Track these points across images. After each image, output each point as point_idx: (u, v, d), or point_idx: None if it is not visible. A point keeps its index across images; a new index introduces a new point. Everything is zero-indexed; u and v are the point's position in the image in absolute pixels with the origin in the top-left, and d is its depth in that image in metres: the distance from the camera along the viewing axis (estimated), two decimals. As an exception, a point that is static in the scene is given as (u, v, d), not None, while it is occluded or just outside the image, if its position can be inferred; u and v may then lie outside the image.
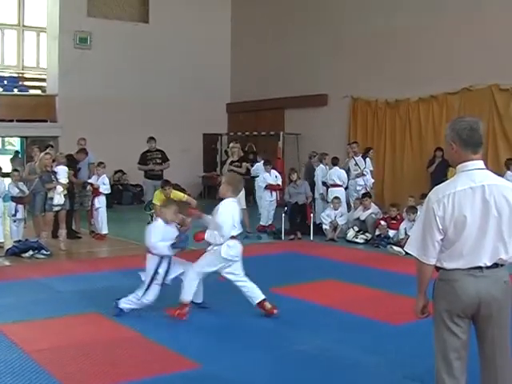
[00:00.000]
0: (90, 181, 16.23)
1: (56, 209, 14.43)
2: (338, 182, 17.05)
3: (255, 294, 8.87)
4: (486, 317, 4.59)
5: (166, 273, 8.88)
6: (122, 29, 25.10)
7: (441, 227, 4.54)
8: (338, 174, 17.12)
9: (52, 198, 14.27)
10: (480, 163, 4.67)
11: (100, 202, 16.05)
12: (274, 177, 17.52)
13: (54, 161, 14.99)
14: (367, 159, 17.89)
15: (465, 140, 4.65)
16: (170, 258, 8.94)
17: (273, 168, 17.83)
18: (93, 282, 11.09)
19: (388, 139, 21.34)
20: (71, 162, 15.89)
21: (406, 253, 12.65)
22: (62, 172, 14.64)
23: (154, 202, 14.39)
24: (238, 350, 7.53)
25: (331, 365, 7.07)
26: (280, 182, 17.61)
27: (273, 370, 6.95)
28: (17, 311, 9.25)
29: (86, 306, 9.46)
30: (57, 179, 14.38)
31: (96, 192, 15.97)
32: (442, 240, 4.59)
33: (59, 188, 14.30)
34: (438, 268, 4.68)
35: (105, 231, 16.19)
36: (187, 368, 6.95)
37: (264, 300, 8.83)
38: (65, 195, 14.48)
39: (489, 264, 4.55)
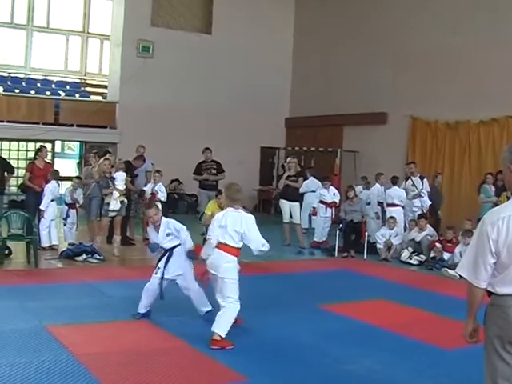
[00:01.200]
0: (145, 188, 16.27)
1: (111, 214, 14.55)
2: (397, 202, 16.89)
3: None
4: None
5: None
6: (184, 39, 25.25)
7: (494, 250, 4.42)
8: (397, 193, 16.96)
9: (108, 204, 14.40)
10: None
11: None
12: (331, 194, 17.44)
13: (112, 166, 15.10)
14: (425, 180, 17.65)
15: None
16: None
17: (331, 185, 17.79)
18: (142, 289, 11.07)
19: (447, 161, 21.10)
20: (128, 169, 15.96)
21: (461, 276, 12.44)
22: (120, 178, 14.74)
23: (205, 211, 14.45)
24: (285, 366, 7.45)
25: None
26: (337, 200, 17.52)
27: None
28: (67, 314, 9.31)
29: (135, 313, 9.45)
30: (114, 185, 14.49)
31: (153, 199, 15.92)
32: (494, 264, 4.46)
33: (116, 194, 14.42)
34: (489, 293, 4.56)
35: None
36: (234, 381, 6.89)
37: None
38: (121, 201, 14.57)
39: None
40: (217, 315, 8.18)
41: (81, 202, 15.28)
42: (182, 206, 24.38)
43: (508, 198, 16.84)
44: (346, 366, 7.56)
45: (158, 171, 16.40)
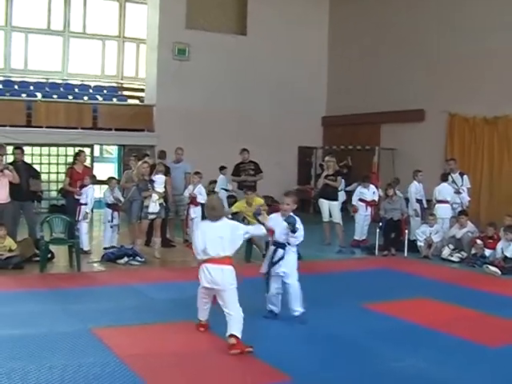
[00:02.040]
0: (186, 191, 16.30)
1: (151, 217, 14.63)
2: (448, 199, 16.79)
3: None
4: None
5: None
6: (219, 41, 25.33)
7: None
8: (448, 190, 16.87)
9: (147, 206, 14.48)
10: None
11: (195, 212, 16.00)
12: (371, 192, 17.39)
13: (152, 169, 15.21)
14: (464, 176, 17.54)
15: None
16: None
17: (371, 183, 17.77)
18: (185, 291, 11.02)
19: (486, 156, 20.97)
20: (167, 171, 16.04)
21: (503, 273, 12.41)
22: (160, 181, 14.83)
23: (232, 209, 14.62)
24: (329, 364, 7.44)
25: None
26: (377, 198, 17.46)
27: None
28: (111, 316, 9.37)
29: (178, 315, 9.49)
30: (153, 187, 14.58)
31: (193, 202, 15.97)
32: None
33: (155, 196, 14.50)
34: None
35: None
36: (279, 381, 6.90)
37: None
38: (160, 204, 14.66)
39: None
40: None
41: (122, 200, 15.39)
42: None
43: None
44: (394, 363, 7.53)
45: (196, 173, 16.42)
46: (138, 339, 8.31)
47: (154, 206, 14.53)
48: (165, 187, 15.07)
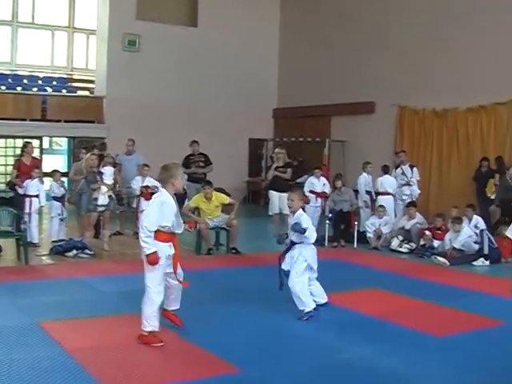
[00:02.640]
0: (133, 182, 16.25)
1: (100, 209, 14.51)
2: (390, 191, 16.90)
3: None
4: None
5: None
6: (170, 32, 25.21)
7: None
8: (389, 182, 16.97)
9: (96, 199, 14.35)
10: None
11: (146, 205, 15.96)
12: (322, 184, 17.44)
13: (101, 161, 15.10)
14: (414, 169, 17.69)
15: None
16: None
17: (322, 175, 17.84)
18: (134, 284, 10.97)
19: (435, 149, 21.22)
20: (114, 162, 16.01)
21: (451, 264, 12.54)
22: (109, 173, 14.72)
23: (190, 204, 14.54)
24: (279, 357, 7.44)
25: (373, 376, 6.93)
26: (327, 190, 17.50)
27: (313, 379, 6.85)
28: (59, 309, 9.30)
29: (126, 307, 9.39)
30: (102, 180, 14.46)
31: (144, 195, 15.92)
32: None
33: (104, 188, 14.39)
34: None
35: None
36: (227, 372, 6.87)
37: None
38: (109, 196, 14.55)
39: None
40: None
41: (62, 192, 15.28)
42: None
43: (495, 186, 17.12)
44: (341, 355, 7.55)
45: (145, 165, 16.37)
46: (85, 333, 8.24)
47: (103, 198, 14.42)
48: (114, 179, 15.00)
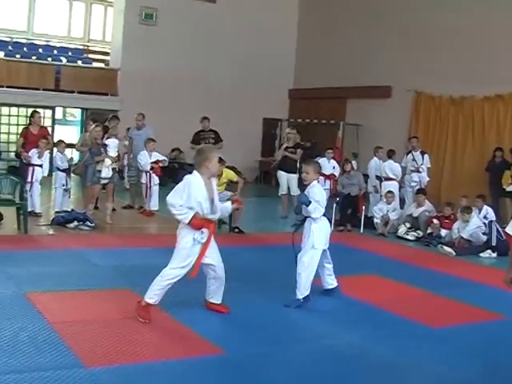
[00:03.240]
0: (140, 157, 16.09)
1: (103, 182, 14.33)
2: (391, 176, 16.64)
3: None
4: None
5: None
6: (188, 7, 24.91)
7: None
8: (391, 167, 16.71)
9: (100, 171, 14.17)
10: None
11: (154, 179, 16.05)
12: (331, 166, 17.22)
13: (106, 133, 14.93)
14: (425, 156, 17.43)
15: None
16: None
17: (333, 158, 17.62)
18: (130, 258, 10.94)
19: (450, 136, 20.91)
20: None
21: (457, 254, 12.33)
22: (113, 145, 14.53)
23: None
24: (264, 340, 7.27)
25: (357, 363, 6.73)
26: (337, 173, 17.28)
27: (296, 363, 6.64)
28: (49, 281, 9.16)
29: (119, 282, 9.32)
30: (106, 152, 14.28)
31: (156, 170, 16.01)
32: None
33: (107, 161, 14.19)
34: None
35: (154, 208, 16.02)
36: (210, 354, 6.70)
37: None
38: (113, 169, 14.38)
39: None
40: None
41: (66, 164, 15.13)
42: (182, 176, 23.85)
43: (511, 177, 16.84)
44: (328, 341, 7.36)
45: (152, 140, 16.23)
46: (72, 306, 8.09)
47: (106, 171, 14.23)
48: (118, 151, 14.84)
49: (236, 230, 14.49)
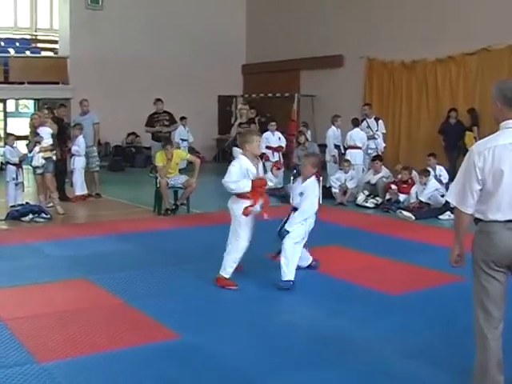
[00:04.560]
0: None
1: (39, 171, 14.03)
2: (359, 144, 16.62)
3: None
4: None
5: None
6: (134, -12, 24.63)
7: (480, 177, 4.79)
8: (359, 135, 16.69)
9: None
10: None
11: (75, 163, 15.86)
12: (276, 138, 17.14)
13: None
14: (380, 121, 17.39)
15: (509, 99, 4.83)
16: None
17: (281, 131, 17.54)
18: (85, 247, 10.77)
19: (404, 101, 20.98)
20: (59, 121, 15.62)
21: (417, 218, 12.34)
22: (45, 133, 14.18)
23: (156, 163, 14.14)
24: (221, 320, 7.18)
25: (319, 337, 6.66)
26: (283, 144, 17.20)
27: (255, 342, 6.54)
28: (3, 277, 8.97)
29: (74, 272, 9.14)
30: (36, 140, 13.96)
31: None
32: (480, 190, 4.83)
33: (36, 149, 13.85)
34: (476, 221, 4.93)
35: (79, 192, 15.87)
36: (165, 339, 6.59)
37: None
38: (48, 158, 14.03)
39: None
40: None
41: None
42: (140, 160, 23.99)
43: (475, 139, 16.88)
44: (287, 316, 7.32)
45: (77, 125, 16.21)
46: (25, 300, 7.93)
47: (36, 158, 13.88)
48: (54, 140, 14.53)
49: (177, 204, 14.28)
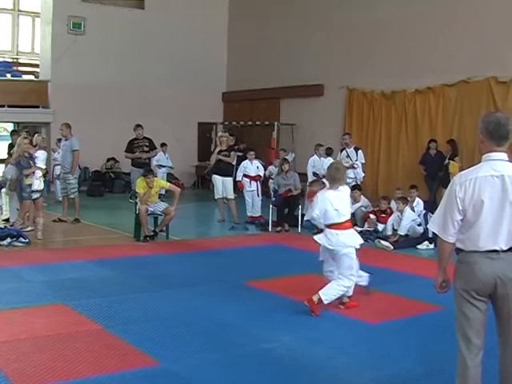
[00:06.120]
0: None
1: (35, 196, 13.98)
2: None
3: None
4: (502, 296, 4.92)
5: None
6: (116, 14, 24.81)
7: (461, 208, 4.94)
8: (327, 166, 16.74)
9: (30, 185, 13.81)
10: (503, 155, 4.99)
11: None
12: (255, 167, 17.20)
13: (35, 146, 14.63)
14: (359, 151, 17.49)
15: (490, 132, 4.99)
16: None
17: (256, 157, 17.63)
18: (64, 273, 10.74)
19: (384, 131, 21.07)
20: None
21: (395, 247, 12.43)
22: (42, 157, 14.20)
23: (136, 190, 14.12)
24: (200, 347, 7.14)
25: (296, 366, 6.66)
26: (261, 173, 17.27)
27: (232, 370, 6.53)
28: (-21, 301, 8.92)
29: (52, 297, 9.12)
30: (35, 164, 13.96)
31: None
32: (461, 220, 4.97)
33: (38, 173, 13.86)
34: (458, 251, 5.06)
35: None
36: (144, 365, 6.57)
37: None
38: (44, 181, 14.08)
39: (505, 248, 4.89)
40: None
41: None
42: (119, 185, 23.99)
43: (460, 168, 17.00)
44: (265, 344, 7.28)
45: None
46: (2, 325, 7.87)
47: (38, 183, 13.89)
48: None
49: (155, 232, 14.24)
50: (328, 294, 8.41)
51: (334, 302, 8.67)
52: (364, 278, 9.40)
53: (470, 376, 4.96)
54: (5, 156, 18.96)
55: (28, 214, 14.56)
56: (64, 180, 16.29)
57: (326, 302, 8.35)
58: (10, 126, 26.10)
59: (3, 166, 15.90)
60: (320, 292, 8.33)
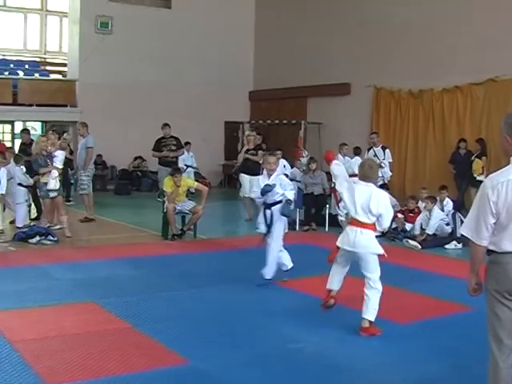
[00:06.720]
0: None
1: (52, 195, 13.93)
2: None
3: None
4: None
5: None
6: (143, 14, 24.90)
7: (494, 211, 4.84)
8: (358, 163, 16.68)
9: (46, 183, 13.78)
10: None
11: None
12: (282, 166, 17.16)
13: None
14: (387, 151, 17.41)
15: None
16: None
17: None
18: (93, 271, 10.81)
19: (411, 130, 21.04)
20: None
21: (423, 247, 12.34)
22: (61, 157, 14.13)
23: (164, 189, 14.15)
24: (228, 346, 7.16)
25: (324, 366, 6.65)
26: (288, 172, 17.22)
27: (261, 370, 6.53)
28: (11, 298, 8.99)
29: (81, 295, 9.18)
30: (52, 163, 13.92)
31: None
32: (494, 224, 4.87)
33: (54, 173, 13.82)
34: (489, 252, 4.97)
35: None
36: (173, 364, 6.60)
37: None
38: (60, 180, 13.99)
39: None
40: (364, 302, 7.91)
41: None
42: (146, 184, 24.11)
43: (483, 168, 16.93)
44: (293, 344, 7.27)
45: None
46: (34, 322, 7.94)
47: (54, 182, 13.81)
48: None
49: (181, 231, 14.26)
50: (370, 312, 7.83)
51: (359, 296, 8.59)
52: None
53: (502, 377, 4.89)
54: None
55: (54, 213, 14.63)
56: (76, 177, 16.33)
57: (374, 319, 7.79)
58: (39, 125, 26.22)
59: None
60: (364, 316, 7.76)
